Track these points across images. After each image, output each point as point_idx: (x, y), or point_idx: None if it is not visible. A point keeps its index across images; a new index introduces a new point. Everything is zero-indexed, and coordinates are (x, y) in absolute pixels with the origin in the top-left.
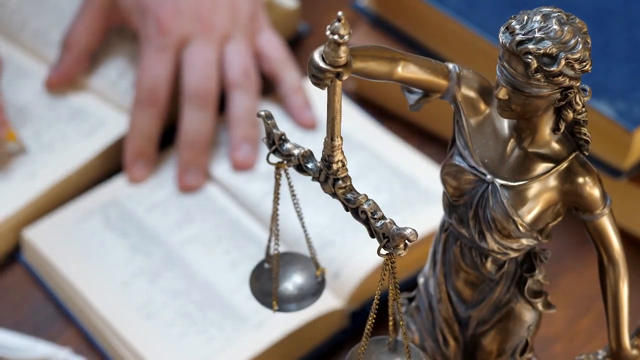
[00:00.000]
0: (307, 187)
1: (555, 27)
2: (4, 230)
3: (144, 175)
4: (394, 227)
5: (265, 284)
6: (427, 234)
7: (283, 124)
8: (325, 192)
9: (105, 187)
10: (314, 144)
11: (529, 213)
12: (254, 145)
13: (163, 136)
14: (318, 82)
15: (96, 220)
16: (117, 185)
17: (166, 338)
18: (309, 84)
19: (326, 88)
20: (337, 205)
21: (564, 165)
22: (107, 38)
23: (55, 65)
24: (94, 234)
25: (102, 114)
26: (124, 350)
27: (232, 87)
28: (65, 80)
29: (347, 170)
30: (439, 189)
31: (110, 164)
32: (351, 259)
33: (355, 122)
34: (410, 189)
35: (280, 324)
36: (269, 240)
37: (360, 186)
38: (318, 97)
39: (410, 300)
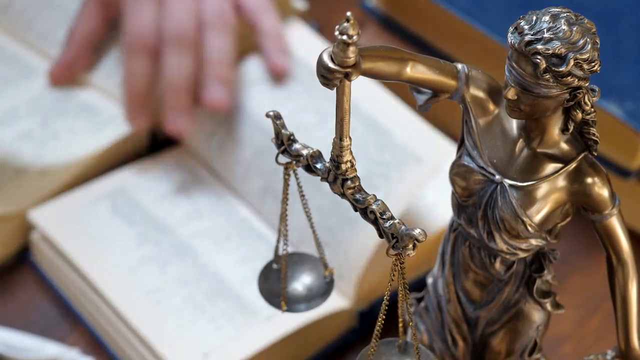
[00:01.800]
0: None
1: (564, 27)
2: (12, 228)
3: (146, 123)
4: (403, 227)
5: (273, 284)
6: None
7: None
8: (334, 193)
9: (113, 175)
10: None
11: (538, 213)
12: (228, 86)
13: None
14: (327, 82)
15: (104, 206)
16: (125, 175)
17: (175, 327)
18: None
19: (335, 89)
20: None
21: (573, 165)
22: (117, 36)
23: (57, 59)
24: (101, 220)
25: (111, 112)
26: (131, 341)
27: (206, 28)
28: (67, 72)
29: (355, 170)
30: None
31: (116, 160)
32: (359, 259)
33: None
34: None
35: (290, 319)
36: (278, 241)
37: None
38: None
39: (419, 300)
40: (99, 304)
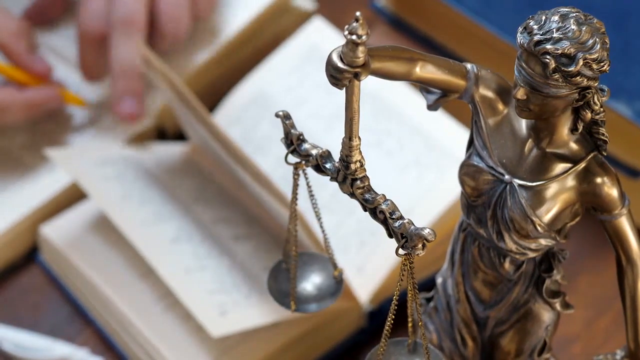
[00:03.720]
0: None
1: (573, 27)
2: (21, 229)
3: (135, 111)
4: (412, 227)
5: (283, 284)
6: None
7: None
8: (344, 192)
9: None
10: None
11: (547, 213)
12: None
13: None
14: (336, 82)
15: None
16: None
17: (183, 332)
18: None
19: (344, 88)
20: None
21: (582, 165)
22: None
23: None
24: (111, 230)
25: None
26: (140, 342)
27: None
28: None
29: (365, 170)
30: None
31: None
32: (369, 258)
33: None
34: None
35: (298, 322)
36: (287, 241)
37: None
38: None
39: (429, 300)
40: (108, 308)
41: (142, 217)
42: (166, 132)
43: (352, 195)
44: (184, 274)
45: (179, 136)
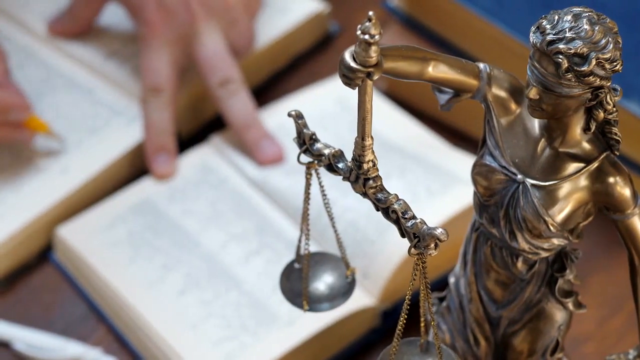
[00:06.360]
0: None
1: (586, 27)
2: (35, 228)
3: (168, 170)
4: (425, 227)
5: (295, 284)
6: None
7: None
8: (356, 192)
9: (138, 185)
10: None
11: (560, 213)
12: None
13: (191, 137)
14: (349, 82)
15: (129, 218)
16: (150, 184)
17: (197, 334)
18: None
19: (357, 88)
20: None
21: (595, 165)
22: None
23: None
24: (127, 232)
25: (134, 111)
26: (154, 342)
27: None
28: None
29: (377, 170)
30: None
31: (140, 163)
32: (381, 257)
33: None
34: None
35: (311, 322)
36: (299, 240)
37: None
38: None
39: (441, 300)
40: (123, 308)
41: (150, 276)
42: (181, 134)
43: (365, 195)
44: (190, 331)
45: (193, 138)
